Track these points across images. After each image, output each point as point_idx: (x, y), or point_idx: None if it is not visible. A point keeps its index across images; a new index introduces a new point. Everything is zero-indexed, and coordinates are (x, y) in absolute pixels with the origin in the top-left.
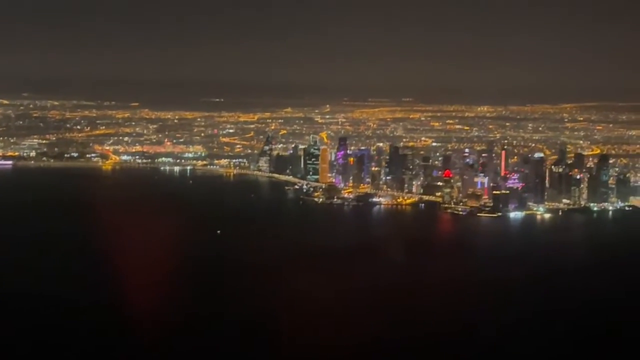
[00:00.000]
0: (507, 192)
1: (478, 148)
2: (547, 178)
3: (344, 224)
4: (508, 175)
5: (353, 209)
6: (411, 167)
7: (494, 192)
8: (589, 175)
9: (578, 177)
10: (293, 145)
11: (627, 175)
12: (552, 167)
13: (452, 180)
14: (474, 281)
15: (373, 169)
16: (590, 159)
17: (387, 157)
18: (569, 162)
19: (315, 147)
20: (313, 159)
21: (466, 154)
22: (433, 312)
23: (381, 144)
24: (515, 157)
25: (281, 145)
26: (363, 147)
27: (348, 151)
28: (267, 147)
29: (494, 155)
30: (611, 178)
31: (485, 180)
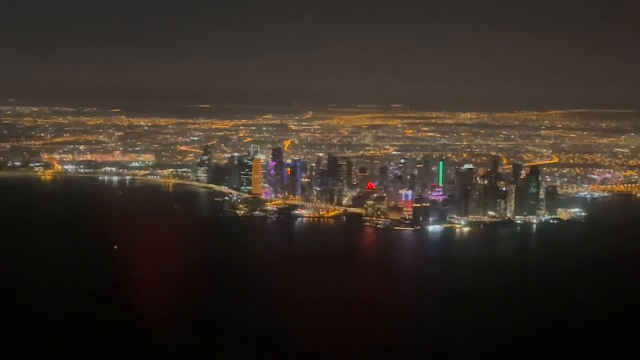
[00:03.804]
0: (428, 204)
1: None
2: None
3: (246, 239)
4: (436, 187)
5: (274, 222)
6: (343, 178)
7: (415, 204)
8: (515, 188)
9: (504, 189)
10: (229, 155)
11: (556, 187)
12: (479, 178)
13: (383, 193)
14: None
15: (303, 179)
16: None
17: (322, 168)
18: (501, 173)
19: (249, 158)
20: (246, 170)
21: (401, 165)
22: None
23: (321, 154)
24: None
25: (237, 154)
26: (297, 158)
27: (287, 161)
28: (205, 157)
29: (432, 166)
30: (542, 190)
31: (410, 192)
